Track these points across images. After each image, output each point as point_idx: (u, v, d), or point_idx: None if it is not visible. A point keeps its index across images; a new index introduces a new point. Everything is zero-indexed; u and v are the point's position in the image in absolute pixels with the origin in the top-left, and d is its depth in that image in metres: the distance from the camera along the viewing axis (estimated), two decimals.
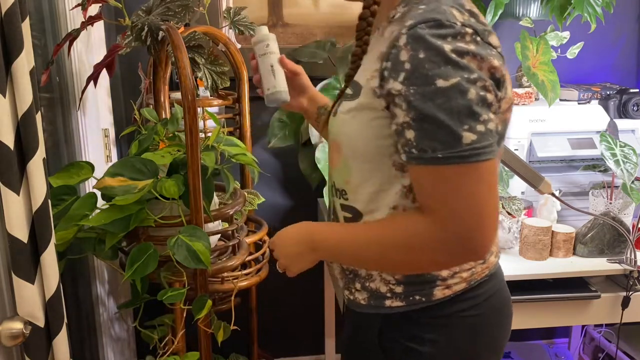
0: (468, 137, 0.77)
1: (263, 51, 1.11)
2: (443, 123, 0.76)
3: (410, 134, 0.79)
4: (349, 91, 0.90)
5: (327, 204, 1.08)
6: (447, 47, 0.76)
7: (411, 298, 0.93)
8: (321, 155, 1.79)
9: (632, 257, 1.55)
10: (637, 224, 1.60)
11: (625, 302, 1.58)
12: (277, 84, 1.11)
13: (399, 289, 0.94)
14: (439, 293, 0.93)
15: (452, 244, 0.80)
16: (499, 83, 0.81)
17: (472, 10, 0.83)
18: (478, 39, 0.79)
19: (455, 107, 0.76)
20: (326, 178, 1.77)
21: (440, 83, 0.76)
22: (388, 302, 0.94)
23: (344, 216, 0.96)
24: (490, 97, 0.78)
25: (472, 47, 0.78)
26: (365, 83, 0.85)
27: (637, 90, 1.91)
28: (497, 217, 0.82)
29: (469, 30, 0.78)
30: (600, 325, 2.28)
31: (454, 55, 0.76)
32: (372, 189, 0.90)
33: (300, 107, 1.24)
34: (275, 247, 1.01)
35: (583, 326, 2.35)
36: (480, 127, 0.77)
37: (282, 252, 1.00)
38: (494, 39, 0.83)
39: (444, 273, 0.93)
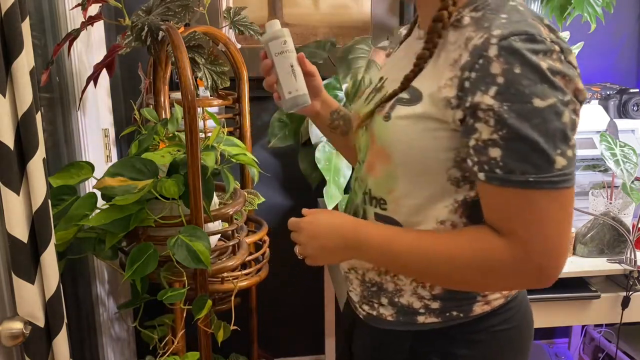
0: (560, 161, 0.73)
1: (280, 49, 0.98)
2: (538, 145, 0.72)
3: (495, 152, 0.74)
4: (404, 95, 0.83)
5: (344, 208, 1.02)
6: (544, 64, 0.72)
7: (447, 314, 0.89)
8: (321, 155, 1.79)
9: (632, 257, 1.55)
10: (637, 224, 1.60)
11: (625, 302, 1.58)
12: (298, 86, 0.99)
13: (435, 305, 0.89)
14: (478, 309, 0.89)
15: (531, 270, 0.77)
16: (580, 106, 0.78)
17: (550, 26, 0.79)
18: (563, 57, 0.75)
19: (551, 129, 0.72)
20: (326, 178, 1.77)
21: (537, 102, 0.72)
22: (421, 319, 0.90)
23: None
24: (577, 121, 0.75)
25: (560, 66, 0.74)
26: (435, 91, 0.79)
27: (637, 90, 1.91)
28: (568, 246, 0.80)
29: (557, 48, 0.75)
30: (600, 325, 2.28)
31: (549, 74, 0.72)
32: (419, 202, 0.85)
33: (313, 111, 1.14)
34: (302, 231, 0.90)
35: (583, 326, 2.35)
36: (569, 152, 0.74)
37: (314, 241, 0.89)
38: (573, 59, 0.78)
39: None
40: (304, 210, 0.92)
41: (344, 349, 1.08)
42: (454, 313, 0.89)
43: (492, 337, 0.90)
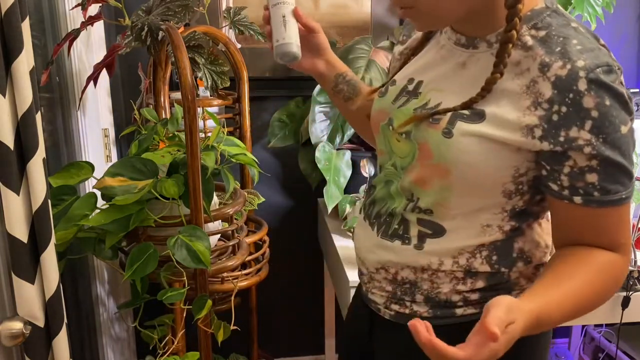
0: (634, 174, 0.82)
1: (276, 1, 0.99)
2: (625, 167, 0.79)
3: (592, 178, 0.79)
4: (465, 112, 0.82)
5: (364, 208, 1.00)
6: (624, 92, 0.78)
7: (485, 304, 0.90)
8: (321, 155, 1.79)
9: (632, 257, 1.55)
10: (637, 224, 1.60)
11: (625, 302, 1.58)
12: (286, 35, 0.98)
13: (474, 296, 0.90)
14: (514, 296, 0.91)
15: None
16: None
17: (605, 45, 0.82)
18: (621, 78, 0.80)
19: (630, 150, 0.80)
20: (326, 178, 1.77)
21: (623, 130, 0.78)
22: (459, 311, 0.90)
23: (420, 230, 0.90)
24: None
25: (627, 90, 0.79)
26: (515, 120, 0.79)
27: (637, 90, 1.91)
28: None
29: (620, 73, 0.80)
30: (600, 325, 2.28)
31: (628, 101, 0.78)
32: (468, 211, 0.87)
33: (315, 70, 1.09)
34: (499, 349, 0.75)
35: (583, 326, 2.35)
36: (634, 158, 0.82)
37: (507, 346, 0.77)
38: (622, 78, 0.82)
39: (523, 281, 0.92)
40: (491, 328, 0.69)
41: (352, 352, 1.07)
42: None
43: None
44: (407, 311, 0.93)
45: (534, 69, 0.79)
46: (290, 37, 0.98)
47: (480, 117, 0.81)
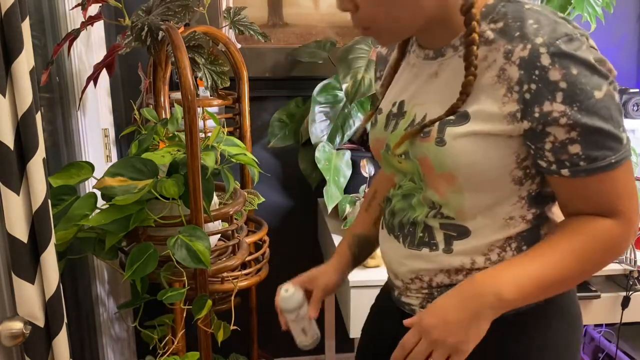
0: (624, 136, 0.81)
1: (294, 318, 1.13)
2: (610, 132, 0.79)
3: (575, 149, 0.79)
4: (450, 117, 0.84)
5: (388, 220, 1.00)
6: (590, 57, 0.77)
7: None
8: (321, 155, 1.79)
9: (632, 257, 1.55)
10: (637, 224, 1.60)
11: (625, 302, 1.58)
12: (307, 340, 1.17)
13: None
14: None
15: (634, 232, 0.84)
16: None
17: (565, 17, 0.84)
18: (591, 44, 0.81)
19: (613, 113, 0.79)
20: (326, 178, 1.77)
21: (598, 94, 0.77)
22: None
23: (445, 234, 0.90)
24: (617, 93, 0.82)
25: (597, 54, 0.80)
26: (497, 110, 0.81)
27: (637, 90, 1.91)
28: None
29: (585, 39, 0.80)
30: (600, 325, 2.28)
31: (597, 65, 0.78)
32: (485, 206, 0.87)
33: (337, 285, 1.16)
34: (428, 330, 0.82)
35: (583, 326, 2.35)
36: (623, 124, 0.81)
37: (445, 327, 0.81)
38: (593, 42, 0.83)
39: None
40: (406, 322, 0.85)
41: (376, 354, 1.07)
42: None
43: (572, 301, 0.95)
44: None
45: (500, 59, 0.80)
46: (310, 339, 1.16)
47: (465, 118, 0.83)
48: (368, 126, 1.04)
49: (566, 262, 0.83)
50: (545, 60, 0.77)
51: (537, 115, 0.79)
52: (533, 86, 0.78)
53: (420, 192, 0.93)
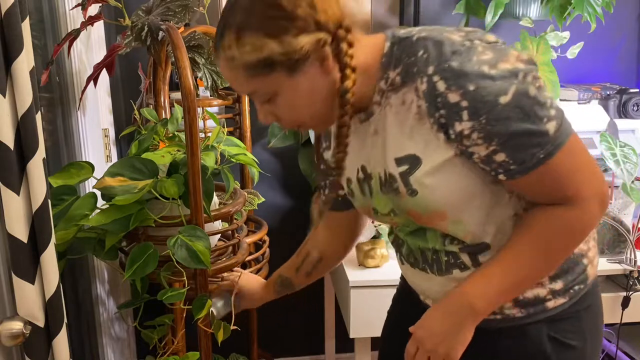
0: (552, 126, 0.79)
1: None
2: (529, 130, 0.78)
3: (500, 157, 0.80)
4: (403, 167, 0.87)
5: (407, 257, 1.03)
6: (483, 66, 0.77)
7: (572, 290, 0.92)
8: None
9: (632, 257, 1.56)
10: (637, 224, 1.60)
11: (625, 302, 1.58)
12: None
13: (558, 285, 0.92)
14: (591, 273, 0.94)
15: (598, 209, 0.84)
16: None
17: (457, 28, 0.85)
18: (486, 43, 0.81)
19: (529, 110, 0.78)
20: None
21: (504, 99, 0.77)
22: (550, 304, 0.92)
23: (468, 253, 0.91)
24: (540, 79, 0.80)
25: (492, 53, 0.79)
26: (435, 140, 0.83)
27: (637, 90, 1.91)
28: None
29: (476, 42, 0.80)
30: None
31: (493, 70, 0.77)
32: (486, 216, 0.89)
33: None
34: (422, 341, 0.90)
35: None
36: (552, 112, 0.79)
37: (434, 338, 0.89)
38: (491, 36, 0.84)
39: (584, 249, 0.94)
40: (410, 329, 0.94)
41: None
42: (576, 287, 0.92)
43: (597, 298, 0.97)
44: (498, 317, 0.94)
45: (414, 97, 0.83)
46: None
47: (418, 161, 0.86)
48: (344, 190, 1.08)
49: (527, 260, 0.85)
50: (441, 86, 0.78)
51: (454, 136, 0.81)
52: (442, 112, 0.80)
53: (424, 236, 0.96)
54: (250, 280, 1.29)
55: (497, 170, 0.82)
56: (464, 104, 0.77)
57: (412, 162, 0.86)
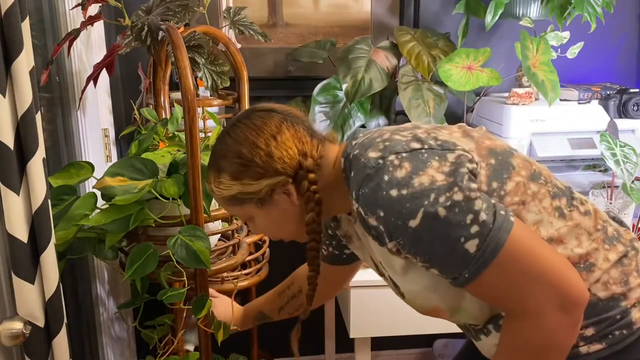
0: (471, 245, 0.77)
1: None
2: (445, 251, 0.78)
3: (435, 270, 0.83)
4: (385, 271, 0.96)
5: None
6: (392, 190, 0.78)
7: (610, 336, 0.86)
8: None
9: None
10: (637, 224, 1.60)
11: None
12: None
13: (589, 332, 0.86)
14: (637, 317, 0.87)
15: (559, 317, 0.79)
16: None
17: (392, 135, 0.86)
18: (405, 154, 0.81)
19: (439, 233, 0.77)
20: None
21: (413, 223, 0.77)
22: (584, 349, 0.86)
23: (491, 326, 0.92)
24: (457, 196, 0.78)
25: (407, 165, 0.79)
26: (384, 250, 0.88)
27: (637, 90, 1.91)
28: (559, 255, 0.82)
29: (390, 158, 0.80)
30: None
31: (403, 191, 0.77)
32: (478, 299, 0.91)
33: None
34: None
35: None
36: (472, 228, 0.77)
37: None
38: (416, 144, 0.83)
39: (621, 290, 0.87)
40: None
41: None
42: (616, 333, 0.86)
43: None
44: None
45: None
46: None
47: (387, 264, 0.93)
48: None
49: None
50: (362, 212, 0.82)
51: (392, 249, 0.84)
52: (372, 232, 0.84)
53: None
54: (223, 312, 1.33)
55: (444, 275, 0.84)
56: (381, 228, 0.81)
57: (400, 267, 0.90)
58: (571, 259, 0.86)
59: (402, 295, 0.99)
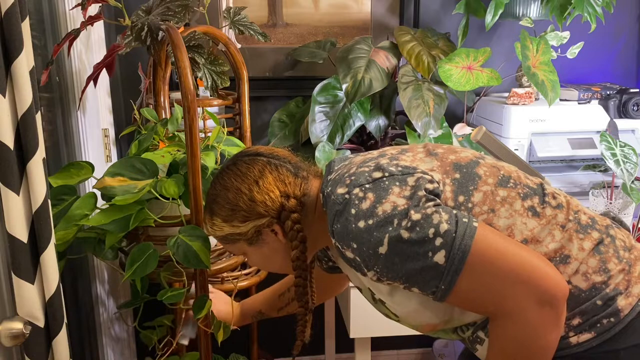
0: (440, 257, 0.81)
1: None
2: (418, 269, 0.82)
3: (415, 289, 0.86)
4: (374, 295, 1.00)
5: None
6: (359, 222, 0.82)
7: (598, 325, 0.87)
8: (321, 155, 1.79)
9: None
10: (637, 224, 1.60)
11: None
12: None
13: (576, 321, 0.87)
14: (624, 304, 0.86)
15: (539, 312, 0.81)
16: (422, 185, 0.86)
17: (357, 169, 0.89)
18: (366, 186, 0.85)
19: (407, 253, 0.81)
20: None
21: (382, 250, 0.82)
22: (574, 339, 0.87)
23: (481, 332, 0.94)
24: (415, 216, 0.82)
25: (371, 195, 0.83)
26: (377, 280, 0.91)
27: (637, 90, 1.91)
28: (530, 251, 0.83)
29: (355, 192, 0.84)
30: None
31: (370, 221, 0.82)
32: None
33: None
34: None
35: None
36: (437, 241, 0.81)
37: None
38: (378, 173, 0.87)
39: (601, 279, 0.87)
40: None
41: None
42: (604, 321, 0.86)
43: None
44: None
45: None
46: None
47: (375, 290, 0.97)
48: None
49: None
50: (339, 246, 0.87)
51: (373, 278, 0.88)
52: (352, 264, 0.88)
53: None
54: (220, 308, 1.35)
55: (426, 293, 0.87)
56: (358, 259, 0.85)
57: (389, 290, 0.94)
58: (547, 255, 0.87)
59: (396, 316, 1.02)
